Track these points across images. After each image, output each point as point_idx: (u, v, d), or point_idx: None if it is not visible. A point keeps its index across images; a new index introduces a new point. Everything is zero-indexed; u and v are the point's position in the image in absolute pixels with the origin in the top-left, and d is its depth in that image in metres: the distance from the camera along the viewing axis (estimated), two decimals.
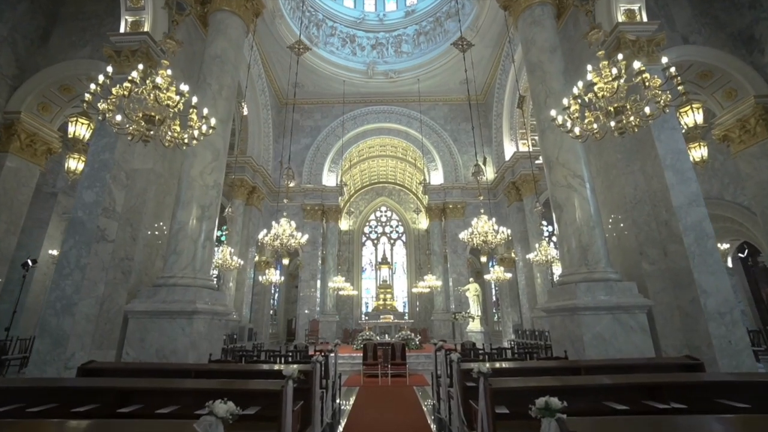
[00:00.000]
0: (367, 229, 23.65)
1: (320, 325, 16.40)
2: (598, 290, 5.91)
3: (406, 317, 18.55)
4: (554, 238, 12.64)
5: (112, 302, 6.18)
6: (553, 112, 4.88)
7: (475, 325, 15.03)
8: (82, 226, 6.14)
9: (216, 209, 7.32)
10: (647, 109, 4.10)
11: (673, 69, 4.03)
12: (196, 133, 4.62)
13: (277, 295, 19.73)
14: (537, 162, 13.34)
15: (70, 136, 8.27)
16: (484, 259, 18.78)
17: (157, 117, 4.27)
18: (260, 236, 10.41)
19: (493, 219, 10.38)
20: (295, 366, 3.83)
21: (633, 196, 6.84)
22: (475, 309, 15.31)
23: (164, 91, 4.30)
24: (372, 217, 23.86)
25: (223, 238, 15.71)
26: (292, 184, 16.40)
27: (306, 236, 11.20)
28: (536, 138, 10.55)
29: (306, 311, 16.54)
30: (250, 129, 15.33)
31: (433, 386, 6.91)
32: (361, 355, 9.70)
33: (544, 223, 14.42)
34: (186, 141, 4.63)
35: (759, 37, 7.83)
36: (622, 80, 4.12)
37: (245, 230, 14.64)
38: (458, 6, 14.45)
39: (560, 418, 1.93)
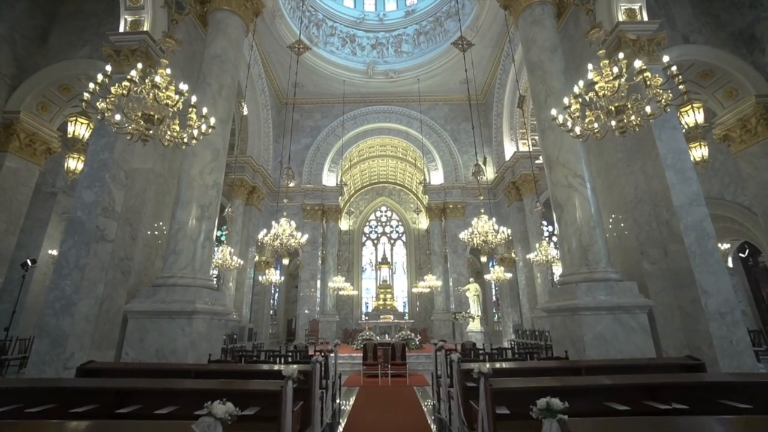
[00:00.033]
0: (367, 229, 23.64)
1: (320, 325, 16.39)
2: (598, 290, 5.89)
3: (406, 317, 18.54)
4: (554, 238, 12.64)
5: (111, 302, 6.16)
6: (553, 111, 4.87)
7: (475, 325, 15.02)
8: (82, 225, 6.12)
9: (216, 209, 7.30)
10: (648, 108, 4.09)
11: (674, 68, 4.01)
12: (195, 132, 4.61)
13: (277, 295, 19.72)
14: (537, 162, 13.34)
15: (69, 135, 8.26)
16: (484, 259, 18.77)
17: (156, 116, 4.26)
18: (260, 236, 10.40)
19: (494, 219, 10.37)
20: (294, 366, 3.82)
21: (634, 196, 6.82)
22: (475, 309, 15.30)
23: (163, 90, 4.29)
24: (372, 217, 23.84)
25: (223, 238, 15.70)
26: (292, 184, 16.39)
27: (306, 236, 11.19)
28: (536, 138, 10.54)
29: (306, 311, 16.54)
30: (250, 129, 15.31)
31: (434, 386, 6.90)
32: (361, 355, 9.69)
33: (545, 223, 14.40)
34: (185, 140, 4.62)
35: (760, 36, 7.82)
36: (623, 79, 4.11)
37: (245, 230, 14.62)
38: (458, 6, 14.44)
39: (562, 419, 1.92)
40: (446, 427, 5.26)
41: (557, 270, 11.58)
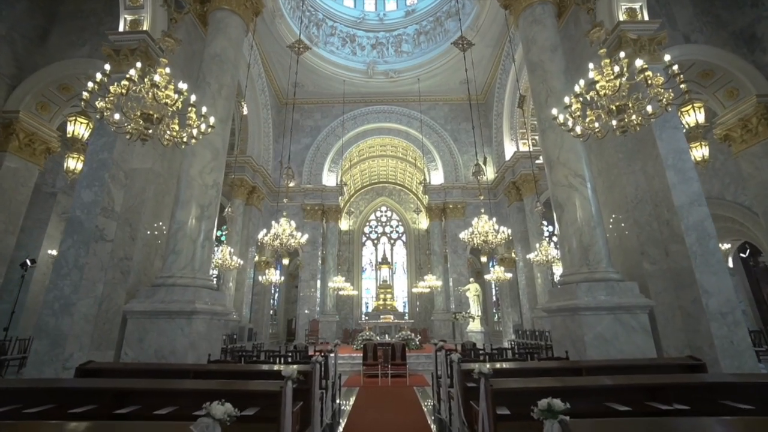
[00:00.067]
0: (367, 229, 23.63)
1: (320, 325, 16.38)
2: (599, 290, 5.88)
3: (406, 317, 18.53)
4: (555, 238, 12.63)
5: (110, 302, 6.15)
6: (554, 111, 4.86)
7: (475, 325, 15.01)
8: (81, 225, 6.10)
9: (215, 209, 7.29)
10: (649, 108, 4.07)
11: (675, 67, 4.00)
12: (195, 132, 4.59)
13: (277, 295, 19.71)
14: (537, 162, 13.33)
15: (69, 135, 8.25)
16: (484, 259, 18.76)
17: (155, 115, 4.24)
18: (260, 236, 10.39)
19: (494, 219, 10.35)
20: (294, 366, 3.81)
21: (634, 196, 6.81)
22: (475, 309, 15.29)
23: (162, 90, 4.27)
24: (372, 217, 23.83)
25: (222, 238, 15.70)
26: (292, 184, 16.39)
27: (306, 236, 11.18)
28: (537, 138, 10.53)
29: (306, 311, 16.52)
30: (250, 129, 15.30)
31: (434, 387, 6.88)
32: (361, 355, 9.67)
33: (545, 223, 14.39)
34: (185, 140, 4.60)
35: (761, 35, 7.81)
36: (624, 78, 4.09)
37: (245, 230, 14.61)
38: (458, 5, 14.43)
39: (563, 419, 1.90)
40: (446, 428, 5.24)
41: (557, 270, 11.58)
